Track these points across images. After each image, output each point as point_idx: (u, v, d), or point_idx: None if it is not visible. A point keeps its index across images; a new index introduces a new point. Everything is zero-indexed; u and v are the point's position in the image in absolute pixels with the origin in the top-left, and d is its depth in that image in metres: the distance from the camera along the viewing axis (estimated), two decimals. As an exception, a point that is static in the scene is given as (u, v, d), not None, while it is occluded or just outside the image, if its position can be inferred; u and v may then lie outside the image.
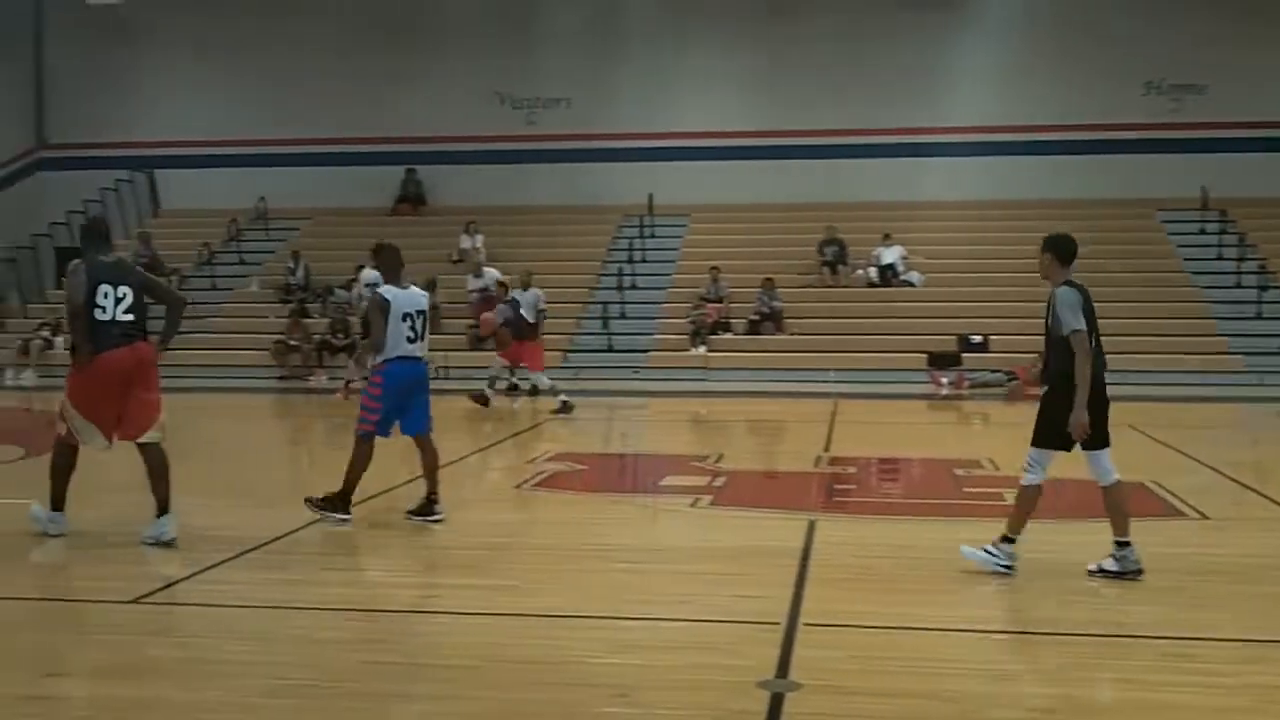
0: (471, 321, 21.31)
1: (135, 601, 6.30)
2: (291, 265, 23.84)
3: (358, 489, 8.34)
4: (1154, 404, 15.62)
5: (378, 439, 8.39)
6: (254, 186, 26.35)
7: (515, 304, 17.29)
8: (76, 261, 7.66)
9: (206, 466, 8.75)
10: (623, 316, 22.50)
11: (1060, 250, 6.79)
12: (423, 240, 24.80)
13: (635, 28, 26.18)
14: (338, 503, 8.25)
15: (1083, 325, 6.54)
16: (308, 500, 8.35)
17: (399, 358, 8.25)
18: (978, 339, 20.67)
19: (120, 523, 8.40)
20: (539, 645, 5.59)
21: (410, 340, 8.22)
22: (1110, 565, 6.68)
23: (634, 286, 23.31)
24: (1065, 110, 24.36)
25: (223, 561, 7.25)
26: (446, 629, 5.95)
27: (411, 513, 8.40)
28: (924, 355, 20.26)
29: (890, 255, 22.89)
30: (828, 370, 19.53)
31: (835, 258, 22.96)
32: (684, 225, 25.25)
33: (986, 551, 6.76)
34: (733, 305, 22.17)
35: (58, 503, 7.80)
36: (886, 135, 24.97)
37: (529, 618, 6.05)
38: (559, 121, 26.14)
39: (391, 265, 8.47)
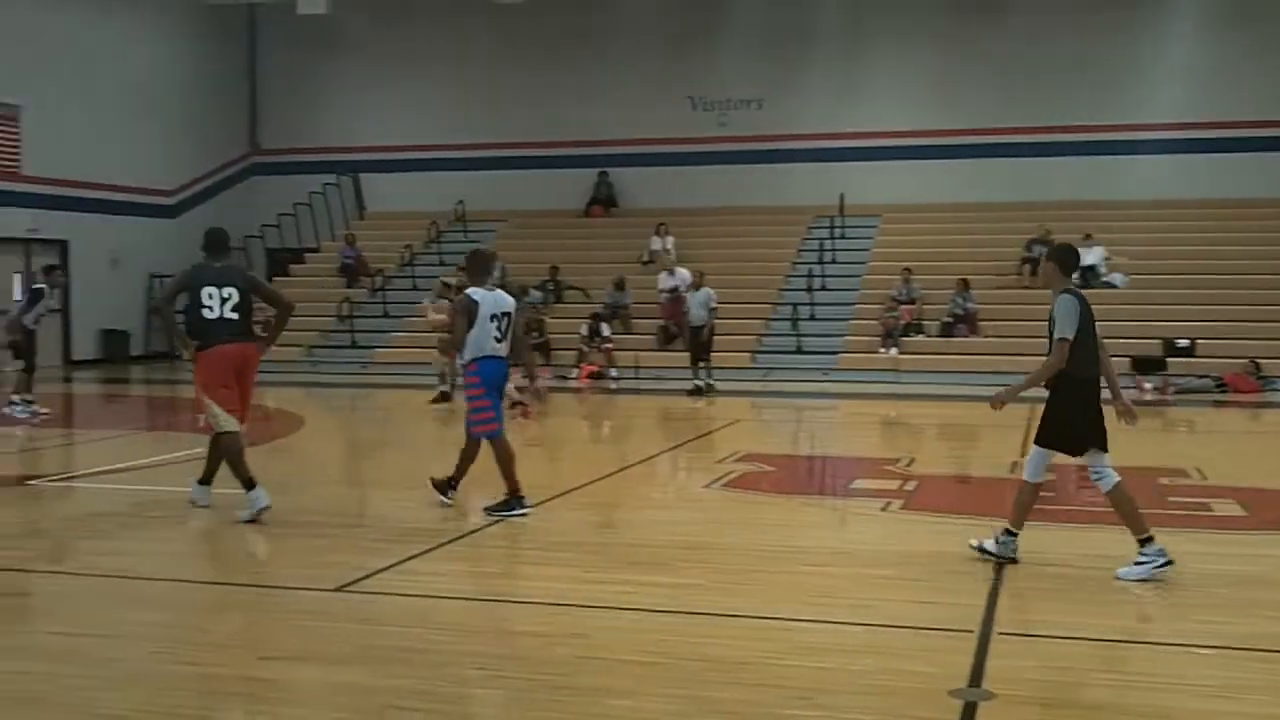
0: (661, 321, 21.48)
1: (339, 590, 6.55)
2: (487, 266, 24.42)
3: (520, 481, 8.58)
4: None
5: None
6: (453, 190, 27.16)
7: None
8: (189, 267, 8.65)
9: (407, 460, 9.06)
10: (812, 318, 22.31)
11: (1063, 260, 7.17)
12: (614, 241, 25.18)
13: (825, 27, 25.94)
14: (512, 501, 8.51)
15: (1070, 334, 6.84)
16: (486, 509, 8.58)
17: (487, 357, 8.52)
18: (1184, 343, 19.76)
19: (324, 512, 8.78)
20: (725, 645, 5.59)
21: (497, 340, 8.52)
22: (1138, 571, 6.69)
23: (824, 288, 23.08)
24: (1270, 105, 23.11)
25: (422, 553, 7.48)
26: (637, 625, 6.00)
27: (491, 508, 8.55)
28: (1127, 359, 19.44)
29: (1092, 256, 22.03)
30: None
31: (1040, 257, 22.21)
32: (875, 226, 24.90)
33: (988, 548, 7.03)
34: (926, 307, 21.73)
35: (248, 484, 8.38)
36: (1084, 133, 24.18)
37: (715, 617, 6.07)
38: (750, 123, 26.11)
39: (479, 270, 8.75)
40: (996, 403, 7.15)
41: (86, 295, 24.12)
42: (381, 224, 27.70)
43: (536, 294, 23.17)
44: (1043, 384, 7.03)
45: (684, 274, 20.81)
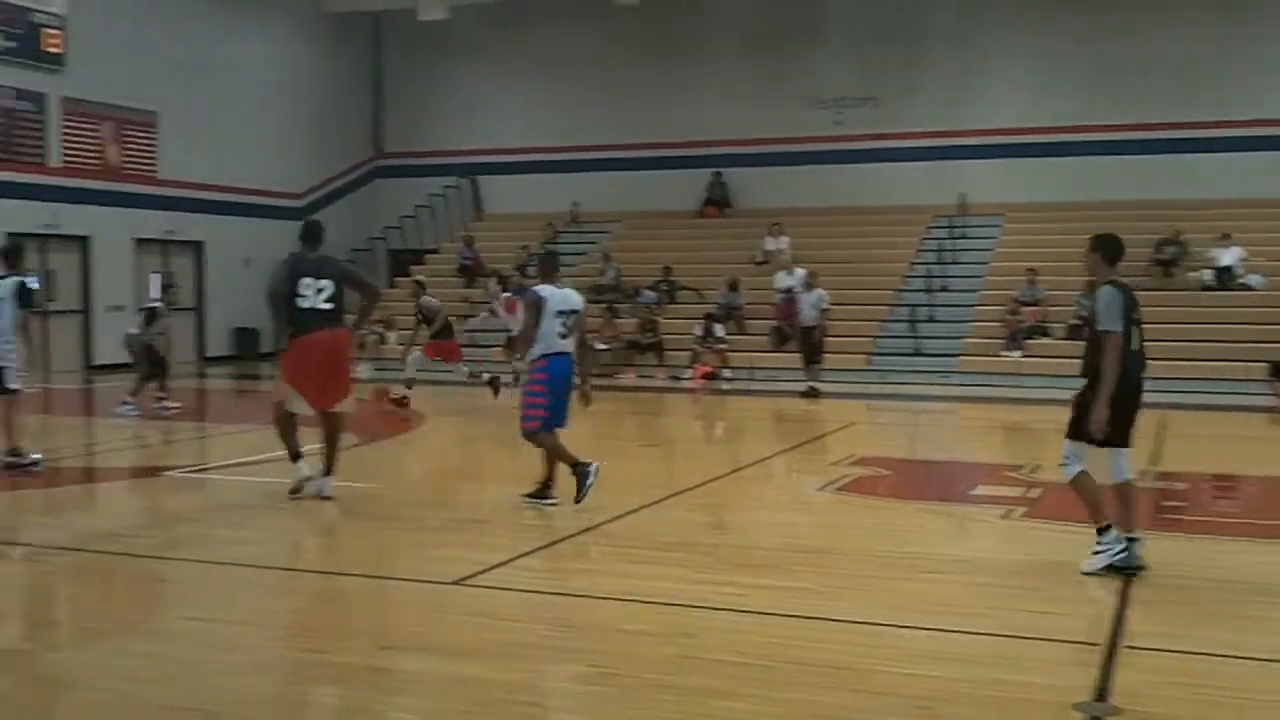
0: (775, 322, 21.37)
1: (456, 583, 6.66)
2: (602, 266, 24.61)
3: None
4: None
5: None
6: (568, 191, 27.40)
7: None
8: (287, 257, 9.05)
9: (523, 459, 9.17)
10: (931, 320, 21.97)
11: (1108, 250, 7.03)
12: (727, 242, 25.12)
13: (941, 22, 25.53)
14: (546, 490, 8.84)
15: (1117, 327, 6.71)
16: (524, 495, 8.89)
17: (555, 353, 8.73)
18: (1325, 347, 18.95)
19: (443, 507, 8.93)
20: (837, 650, 5.54)
21: (562, 337, 8.71)
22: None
23: (944, 289, 22.72)
24: None
25: (536, 550, 7.58)
26: (746, 627, 5.98)
27: (528, 496, 8.86)
28: (1264, 364, 18.73)
29: (1228, 257, 21.31)
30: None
31: (1173, 258, 21.59)
32: (998, 225, 24.42)
33: (1096, 552, 6.82)
34: (1050, 308, 21.24)
35: (293, 456, 9.11)
36: (1220, 129, 23.33)
37: (826, 622, 6.01)
38: (866, 121, 25.82)
39: (550, 270, 9.08)
40: (1098, 428, 6.73)
41: (220, 294, 24.89)
42: (499, 225, 28.07)
43: (650, 294, 23.24)
44: (1083, 375, 6.91)
45: (801, 273, 20.64)
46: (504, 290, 17.93)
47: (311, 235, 9.14)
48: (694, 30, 26.76)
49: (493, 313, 18.45)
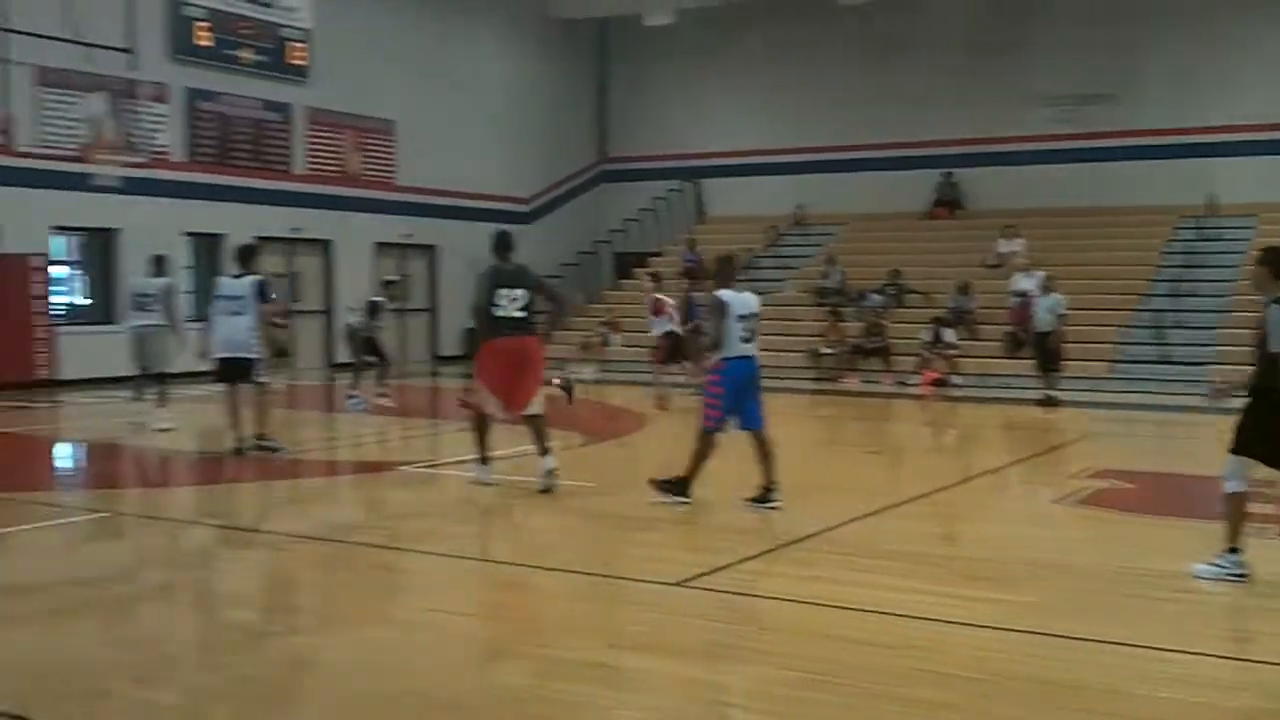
0: (1009, 327, 20.66)
1: (679, 584, 6.65)
2: (826, 269, 24.32)
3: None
4: None
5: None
6: (792, 193, 27.21)
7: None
8: (486, 269, 9.57)
9: (748, 463, 9.12)
10: (1178, 326, 20.81)
11: (1275, 264, 6.66)
12: (957, 244, 24.44)
13: (1185, 7, 24.18)
14: (680, 486, 8.85)
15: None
16: (651, 481, 9.00)
17: (737, 356, 8.81)
18: None
19: (666, 509, 8.94)
20: (1073, 668, 5.27)
21: (744, 340, 8.80)
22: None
23: (1192, 294, 21.48)
24: None
25: (760, 554, 7.51)
26: (973, 641, 5.76)
27: (751, 499, 8.77)
28: None
29: None
30: None
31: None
32: (1251, 227, 22.92)
33: (1215, 565, 6.72)
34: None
35: (484, 458, 9.72)
36: None
37: (1062, 639, 5.70)
38: (1102, 118, 24.66)
39: (728, 274, 9.22)
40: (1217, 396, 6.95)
41: (452, 296, 25.77)
42: (722, 228, 28.09)
43: (876, 298, 22.82)
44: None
45: (1040, 276, 19.85)
46: (657, 290, 17.90)
47: (504, 245, 9.62)
48: (920, 28, 26.16)
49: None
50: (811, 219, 27.06)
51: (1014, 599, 6.50)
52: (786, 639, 5.78)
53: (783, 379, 21.31)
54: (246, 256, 12.00)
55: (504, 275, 9.45)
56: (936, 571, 7.23)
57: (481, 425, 9.69)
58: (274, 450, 11.33)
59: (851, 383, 20.88)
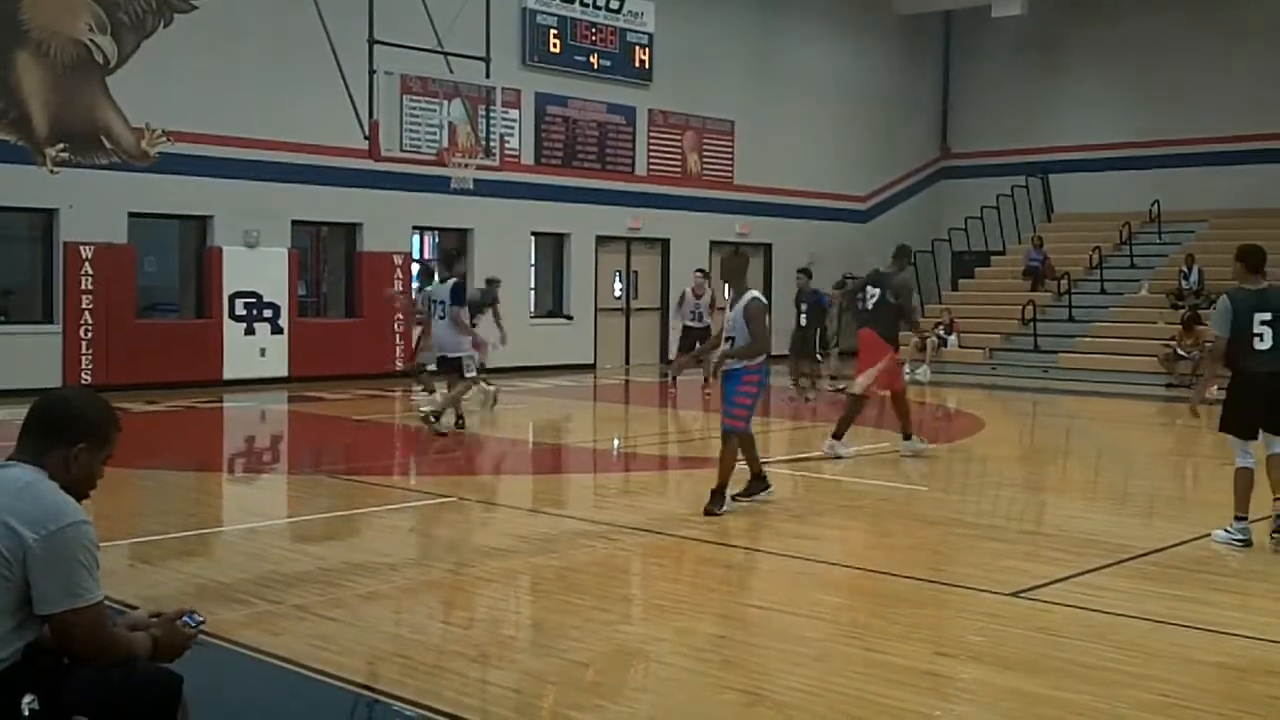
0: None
1: (1014, 595, 6.44)
2: (1185, 270, 22.75)
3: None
4: None
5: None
6: (1148, 189, 25.61)
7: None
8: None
9: (1091, 471, 8.67)
10: None
11: (1246, 259, 7.80)
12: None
13: None
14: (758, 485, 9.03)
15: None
16: (735, 495, 8.86)
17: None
18: None
19: (1001, 516, 8.65)
20: None
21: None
22: None
23: None
24: None
25: (1102, 567, 7.15)
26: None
27: (739, 495, 8.90)
28: None
29: None
30: None
31: None
32: None
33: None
34: None
35: (906, 435, 11.45)
36: None
37: None
38: None
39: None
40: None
41: (784, 296, 25.81)
42: (1070, 225, 26.84)
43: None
44: None
45: None
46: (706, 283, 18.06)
47: (900, 254, 11.66)
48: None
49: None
50: (1168, 216, 25.38)
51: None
52: (1130, 657, 5.45)
53: (1134, 383, 20.14)
54: (450, 260, 12.88)
55: (871, 274, 11.56)
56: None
57: (853, 408, 11.23)
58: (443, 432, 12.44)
59: (1211, 391, 19.38)
